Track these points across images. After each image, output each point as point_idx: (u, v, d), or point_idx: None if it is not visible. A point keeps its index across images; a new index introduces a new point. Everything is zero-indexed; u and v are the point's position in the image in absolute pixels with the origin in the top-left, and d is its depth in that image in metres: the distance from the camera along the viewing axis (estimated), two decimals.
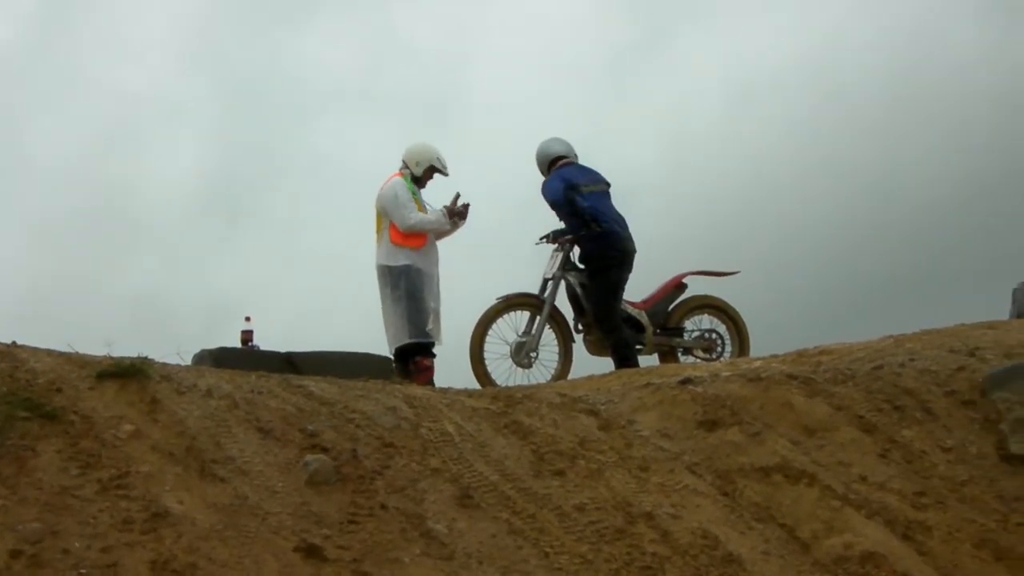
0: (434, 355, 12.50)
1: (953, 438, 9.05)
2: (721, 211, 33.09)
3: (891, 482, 8.45)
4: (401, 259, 12.48)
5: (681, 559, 7.37)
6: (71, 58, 38.49)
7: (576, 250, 12.79)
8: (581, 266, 12.78)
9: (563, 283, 12.72)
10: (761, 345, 12.65)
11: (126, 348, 8.15)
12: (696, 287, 13.34)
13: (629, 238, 12.73)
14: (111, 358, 7.92)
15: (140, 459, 6.93)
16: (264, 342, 12.72)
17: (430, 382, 11.84)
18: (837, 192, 33.52)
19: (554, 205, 12.69)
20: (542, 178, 12.98)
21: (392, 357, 12.49)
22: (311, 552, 6.62)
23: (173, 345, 11.95)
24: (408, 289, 12.38)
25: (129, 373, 7.63)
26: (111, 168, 35.77)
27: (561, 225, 12.83)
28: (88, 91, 38.08)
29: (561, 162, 12.88)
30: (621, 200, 12.88)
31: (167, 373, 7.92)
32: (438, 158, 12.82)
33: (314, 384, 8.41)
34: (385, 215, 12.54)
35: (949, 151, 32.98)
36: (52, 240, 32.95)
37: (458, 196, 12.74)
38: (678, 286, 13.20)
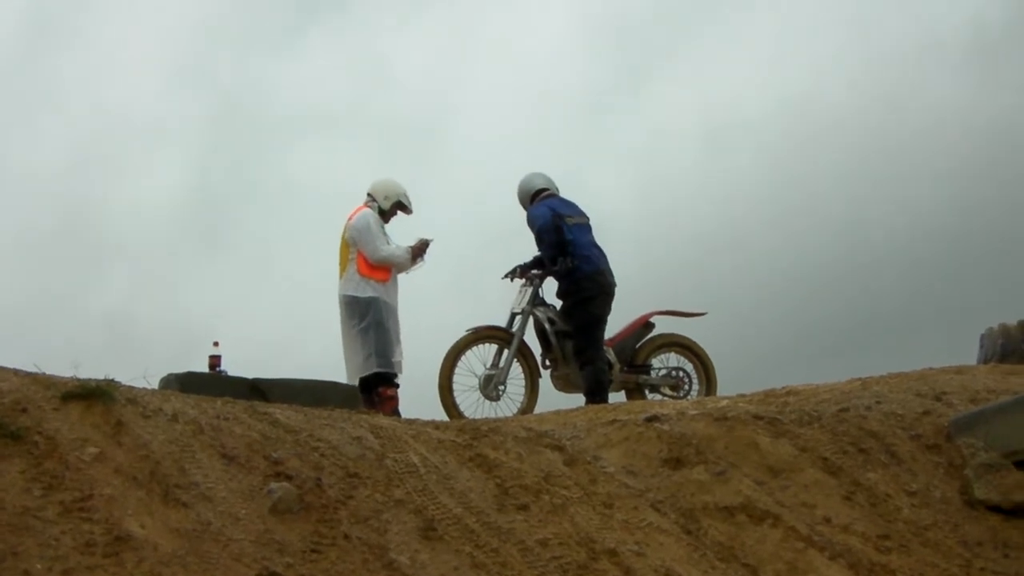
0: (397, 385, 12.51)
1: (918, 482, 9.10)
2: (691, 253, 33.17)
3: (855, 524, 8.46)
4: (368, 291, 12.55)
5: None
6: (52, 74, 38.36)
7: (547, 284, 12.83)
8: (550, 302, 12.81)
9: (531, 318, 12.73)
10: (730, 385, 12.69)
11: (97, 369, 8.10)
12: (664, 327, 13.38)
13: (609, 272, 12.78)
14: (77, 380, 7.86)
15: (103, 482, 6.88)
16: (234, 367, 12.67)
17: (396, 412, 11.86)
18: (807, 237, 33.66)
19: (542, 232, 12.68)
20: (523, 211, 13.00)
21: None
22: None
23: (144, 367, 11.92)
24: (375, 320, 12.42)
25: (95, 395, 7.57)
26: (86, 186, 35.64)
27: (527, 260, 12.88)
28: (67, 108, 37.95)
29: (544, 194, 12.91)
30: (596, 236, 12.92)
31: (133, 396, 7.87)
32: (405, 194, 12.97)
33: (280, 412, 8.37)
34: (354, 245, 12.61)
35: (920, 201, 33.16)
36: (24, 258, 32.78)
37: (427, 243, 12.81)
38: (645, 325, 13.24)
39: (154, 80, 38.69)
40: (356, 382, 12.39)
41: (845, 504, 8.66)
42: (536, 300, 12.80)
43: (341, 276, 12.80)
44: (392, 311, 12.67)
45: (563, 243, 12.52)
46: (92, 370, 8.09)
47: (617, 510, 8.15)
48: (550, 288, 12.86)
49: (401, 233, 12.99)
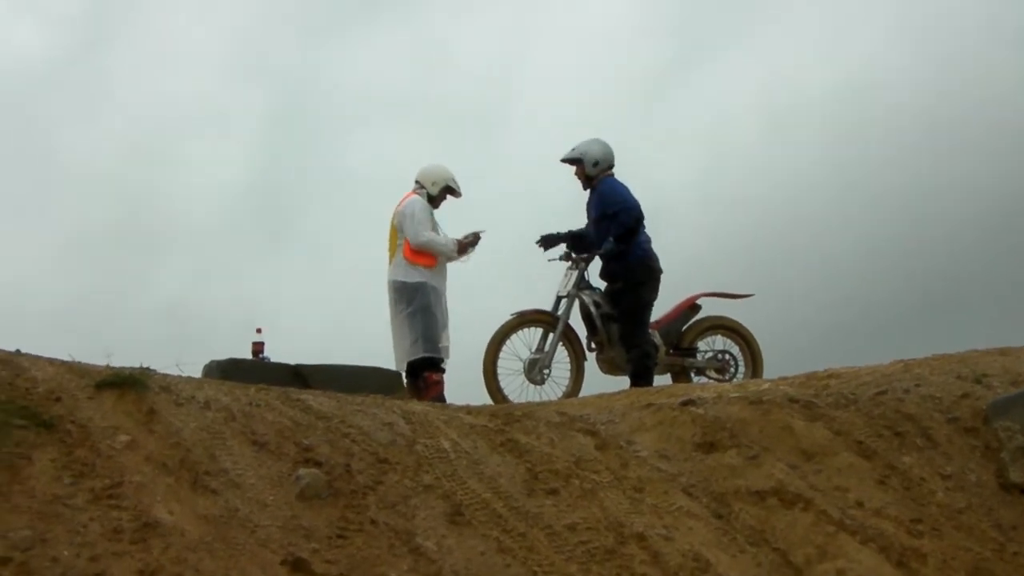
0: (443, 370, 12.55)
1: (953, 465, 9.03)
2: (753, 232, 33.01)
3: (888, 508, 8.40)
4: (416, 276, 12.62)
5: None
6: (110, 68, 38.70)
7: (591, 268, 12.80)
8: (595, 285, 12.78)
9: (577, 301, 12.71)
10: (785, 366, 12.57)
11: (156, 357, 8.24)
12: (711, 309, 13.32)
13: (657, 258, 12.76)
14: (111, 368, 7.96)
15: (133, 469, 6.95)
16: (294, 353, 12.78)
17: (440, 397, 11.97)
18: (868, 217, 33.40)
19: (631, 212, 12.57)
20: (584, 169, 12.93)
21: (403, 373, 12.65)
22: (297, 566, 6.63)
23: (205, 356, 12.09)
24: (422, 305, 12.47)
25: (128, 383, 7.66)
26: (146, 178, 35.91)
27: (560, 231, 12.93)
28: (127, 99, 38.23)
29: (610, 171, 12.89)
30: (653, 219, 12.85)
31: (166, 384, 7.94)
32: (453, 179, 13.03)
33: (313, 398, 8.43)
34: (401, 231, 12.66)
35: (981, 177, 32.81)
36: (86, 251, 33.10)
37: (478, 236, 12.94)
38: (692, 307, 13.16)
39: (214, 70, 38.89)
40: (404, 367, 12.53)
41: (878, 488, 8.59)
42: (582, 283, 12.74)
43: (390, 262, 12.89)
44: (439, 296, 12.70)
45: (633, 232, 12.50)
46: (152, 359, 8.24)
47: (647, 494, 8.14)
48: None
49: (456, 217, 13.09)
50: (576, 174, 12.98)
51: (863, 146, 35.00)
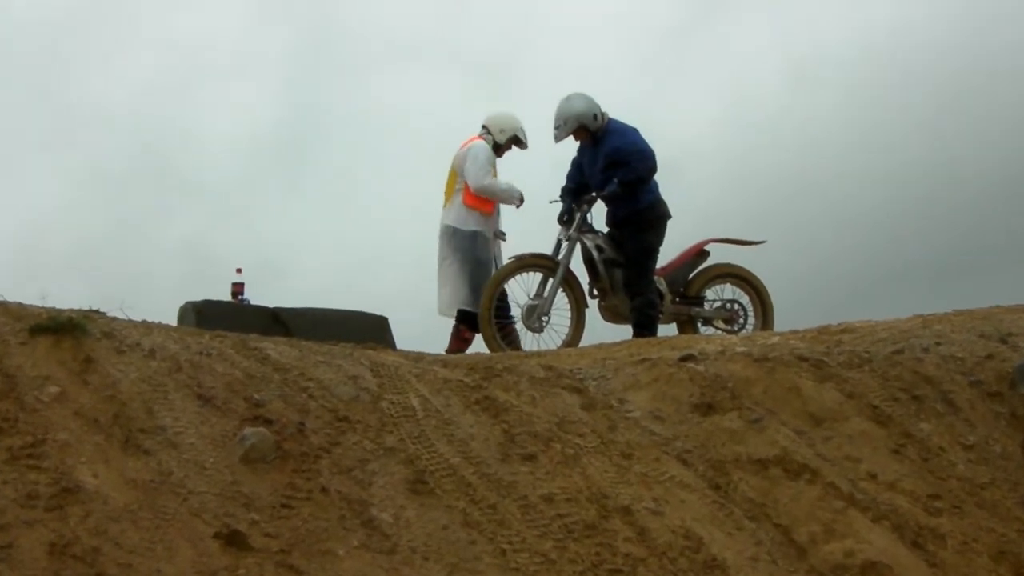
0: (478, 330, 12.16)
1: (975, 434, 8.41)
2: (767, 183, 32.46)
3: (903, 481, 7.79)
4: (471, 224, 12.37)
5: (657, 562, 6.68)
6: (130, 5, 38.28)
7: (593, 211, 12.12)
8: (598, 229, 12.11)
9: (579, 245, 12.03)
10: (795, 319, 11.96)
11: (170, 298, 7.59)
12: (720, 256, 12.67)
13: (666, 203, 12.13)
14: (50, 310, 7.28)
15: (59, 426, 6.33)
16: (308, 297, 12.31)
17: (459, 352, 11.63)
18: (888, 166, 32.82)
19: (646, 159, 11.90)
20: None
21: (446, 316, 12.38)
22: (232, 540, 5.99)
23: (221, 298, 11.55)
24: (474, 255, 12.29)
25: (65, 329, 6.99)
26: (165, 120, 35.62)
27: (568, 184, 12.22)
28: (146, 40, 37.93)
29: (607, 117, 12.16)
30: (674, 172, 12.25)
31: (110, 330, 7.27)
32: (522, 129, 12.73)
33: (273, 347, 7.74)
34: (461, 175, 12.36)
35: (1008, 128, 32.09)
36: (106, 189, 32.91)
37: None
38: (700, 253, 12.55)
39: (234, 12, 38.55)
40: (453, 312, 12.28)
41: (893, 458, 7.96)
42: (584, 226, 12.09)
43: (445, 205, 12.54)
44: (493, 246, 12.47)
45: (644, 179, 11.86)
46: (165, 299, 7.60)
47: (636, 461, 7.45)
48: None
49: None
50: (580, 139, 12.22)
51: (884, 97, 34.28)
